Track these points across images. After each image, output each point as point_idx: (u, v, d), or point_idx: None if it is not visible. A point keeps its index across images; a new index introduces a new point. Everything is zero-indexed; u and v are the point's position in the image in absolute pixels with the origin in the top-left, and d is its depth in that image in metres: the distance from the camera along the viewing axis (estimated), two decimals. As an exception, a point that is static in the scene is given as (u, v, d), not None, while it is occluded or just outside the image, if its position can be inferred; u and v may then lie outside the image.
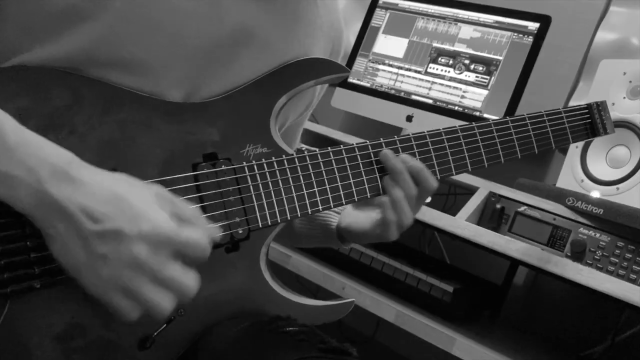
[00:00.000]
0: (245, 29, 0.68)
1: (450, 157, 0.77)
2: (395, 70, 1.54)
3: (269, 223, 0.69)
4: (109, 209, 0.54)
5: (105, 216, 0.54)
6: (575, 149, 1.21)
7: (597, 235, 1.06)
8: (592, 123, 0.86)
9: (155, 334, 0.64)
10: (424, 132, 0.76)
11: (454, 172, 0.77)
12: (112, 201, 0.55)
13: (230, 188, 0.67)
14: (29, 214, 0.54)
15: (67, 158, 0.55)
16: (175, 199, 0.60)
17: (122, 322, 0.57)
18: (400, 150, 0.75)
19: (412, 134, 0.76)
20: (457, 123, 0.79)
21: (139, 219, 0.55)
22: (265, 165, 0.69)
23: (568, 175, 1.20)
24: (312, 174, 0.71)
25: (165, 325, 0.65)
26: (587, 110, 0.86)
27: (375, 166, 0.74)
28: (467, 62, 1.44)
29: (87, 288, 0.56)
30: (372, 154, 0.74)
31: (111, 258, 0.54)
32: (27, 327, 0.59)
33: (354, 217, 0.83)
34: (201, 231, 0.59)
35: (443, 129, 0.77)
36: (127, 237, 0.54)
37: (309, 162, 0.71)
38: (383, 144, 0.75)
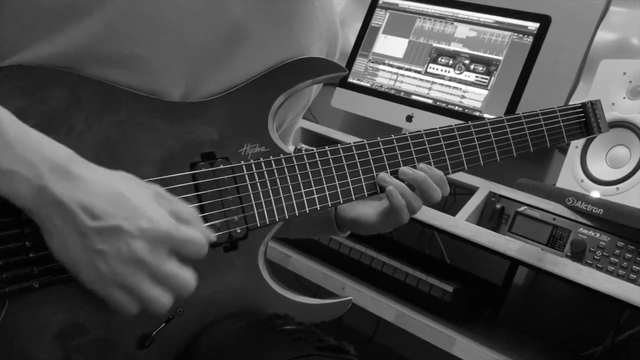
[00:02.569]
0: (242, 27, 0.68)
1: (446, 156, 0.77)
2: (395, 70, 1.54)
3: (267, 222, 0.69)
4: (108, 206, 0.55)
5: (105, 213, 0.54)
6: (575, 149, 1.21)
7: (597, 235, 1.06)
8: (586, 122, 0.87)
9: (155, 333, 0.65)
10: (420, 131, 0.77)
11: (450, 171, 0.78)
12: (112, 198, 0.55)
13: (229, 187, 0.67)
14: (28, 210, 0.54)
15: (67, 154, 0.56)
16: (174, 198, 0.60)
17: (122, 318, 0.58)
18: (398, 149, 0.75)
19: (409, 133, 0.77)
20: (456, 123, 0.79)
21: (138, 216, 0.55)
22: (263, 164, 0.69)
23: (568, 175, 1.20)
24: (309, 173, 0.71)
25: (164, 324, 0.65)
26: (581, 109, 0.87)
27: (372, 165, 0.75)
28: (467, 62, 1.44)
29: (85, 284, 0.56)
30: (369, 152, 0.75)
31: (109, 254, 0.54)
32: (26, 326, 0.59)
33: (359, 209, 0.83)
34: (199, 230, 0.59)
35: (439, 127, 0.78)
36: (126, 233, 0.54)
37: (306, 161, 0.71)
38: (380, 143, 0.75)
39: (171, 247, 0.57)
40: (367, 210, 0.81)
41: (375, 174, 0.75)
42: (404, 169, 0.75)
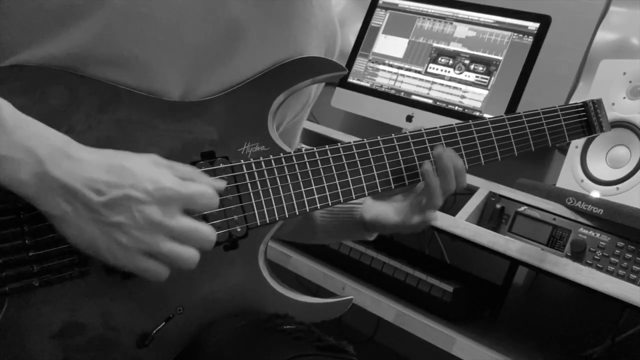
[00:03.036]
0: (240, 26, 0.69)
1: None
2: (395, 70, 1.54)
3: (267, 221, 0.69)
4: (111, 178, 0.55)
5: (109, 185, 0.55)
6: (575, 149, 1.21)
7: (597, 235, 1.06)
8: (588, 121, 0.87)
9: (154, 331, 0.65)
10: (421, 130, 0.77)
11: (451, 170, 0.77)
12: (112, 170, 0.56)
13: (228, 186, 0.67)
14: (32, 198, 0.54)
15: (65, 139, 0.56)
16: (172, 162, 0.60)
17: (118, 318, 0.58)
18: (398, 149, 0.75)
19: (409, 132, 0.77)
20: (456, 122, 0.79)
21: (142, 181, 0.56)
22: (263, 163, 0.69)
23: (568, 175, 1.20)
24: (309, 172, 0.71)
25: (164, 323, 0.65)
26: (583, 108, 0.87)
27: (373, 164, 0.75)
28: (467, 62, 1.44)
29: (109, 261, 0.56)
30: (369, 151, 0.75)
31: (125, 224, 0.55)
32: (26, 325, 0.59)
33: (378, 208, 0.83)
34: (205, 183, 0.60)
35: (440, 127, 0.77)
36: (135, 200, 0.55)
37: (306, 160, 0.71)
38: (380, 142, 0.75)
39: (181, 204, 0.57)
40: (385, 208, 0.81)
41: (375, 173, 0.75)
42: (439, 151, 0.74)
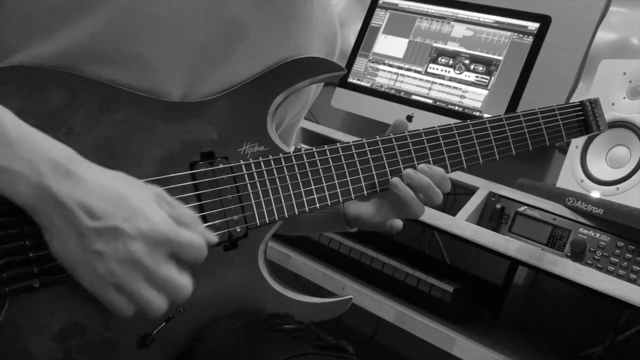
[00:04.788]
0: (240, 26, 0.69)
1: (445, 155, 0.77)
2: (395, 70, 1.54)
3: (267, 221, 0.69)
4: (108, 206, 0.55)
5: (104, 213, 0.54)
6: (575, 149, 1.21)
7: (597, 235, 1.06)
8: (585, 120, 0.87)
9: (155, 332, 0.65)
10: (419, 130, 0.77)
11: (449, 170, 0.78)
12: (111, 199, 0.55)
13: (228, 186, 0.67)
14: (29, 208, 0.54)
15: (68, 154, 0.56)
16: (174, 200, 0.60)
17: (118, 318, 0.58)
18: (397, 148, 0.75)
19: (408, 132, 0.77)
20: (455, 122, 0.79)
21: (137, 218, 0.55)
22: (262, 163, 0.69)
23: (568, 175, 1.20)
24: (309, 172, 0.71)
25: (164, 323, 0.65)
26: (580, 108, 0.87)
27: (372, 164, 0.75)
28: (467, 62, 1.44)
29: (82, 283, 0.56)
30: (368, 151, 0.75)
31: (107, 254, 0.54)
32: (27, 326, 0.59)
33: (360, 208, 0.82)
34: (199, 234, 0.59)
35: (438, 127, 0.78)
36: (124, 234, 0.54)
37: (305, 160, 0.71)
38: (379, 142, 0.75)
39: (170, 250, 0.57)
40: (368, 209, 0.81)
41: (374, 172, 0.75)
42: (409, 172, 0.74)
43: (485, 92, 1.40)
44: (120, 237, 0.54)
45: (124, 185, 0.57)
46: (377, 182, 0.75)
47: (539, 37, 1.36)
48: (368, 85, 1.58)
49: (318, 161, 0.72)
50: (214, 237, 0.62)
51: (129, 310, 0.57)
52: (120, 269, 0.55)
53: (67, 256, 0.55)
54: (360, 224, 0.83)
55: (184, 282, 0.57)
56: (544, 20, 1.37)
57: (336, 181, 0.73)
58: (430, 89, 1.48)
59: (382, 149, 0.75)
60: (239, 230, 0.68)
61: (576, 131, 0.86)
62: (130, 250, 0.54)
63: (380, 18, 1.60)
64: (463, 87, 1.43)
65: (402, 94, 1.52)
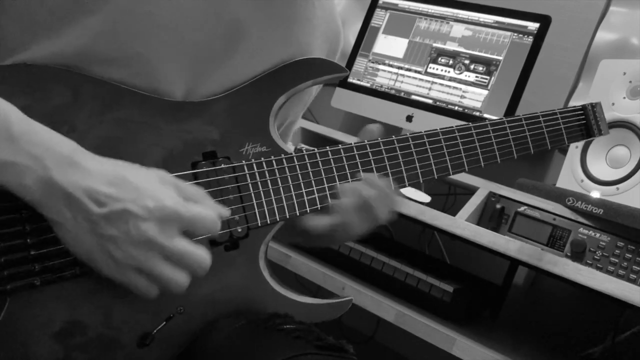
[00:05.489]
0: (241, 26, 0.69)
1: (447, 157, 0.77)
2: (395, 70, 1.54)
3: (268, 221, 0.69)
4: (113, 191, 0.55)
5: (110, 198, 0.55)
6: (575, 149, 1.21)
7: (597, 235, 1.06)
8: (587, 124, 0.87)
9: (155, 331, 0.65)
10: (421, 132, 0.77)
11: (450, 172, 0.78)
12: (116, 183, 0.55)
13: (230, 186, 0.67)
14: (37, 203, 0.54)
15: (72, 146, 0.56)
16: (179, 181, 0.60)
17: (118, 317, 0.58)
18: (399, 150, 0.75)
19: (410, 134, 0.77)
20: (456, 123, 0.80)
21: (143, 197, 0.55)
22: (264, 163, 0.69)
23: (568, 175, 1.20)
24: (310, 173, 0.71)
25: (164, 322, 0.65)
26: (582, 112, 0.87)
27: (373, 165, 0.75)
28: (467, 62, 1.44)
29: (102, 272, 0.56)
30: (370, 153, 0.75)
31: (120, 238, 0.55)
32: (27, 324, 0.59)
33: (309, 221, 0.75)
34: (208, 207, 0.59)
35: (440, 129, 0.78)
36: (134, 216, 0.55)
37: (307, 161, 0.71)
38: (381, 143, 0.75)
39: (181, 225, 0.57)
40: (317, 222, 0.74)
41: (375, 173, 0.74)
42: (344, 187, 0.70)
43: (485, 92, 1.40)
44: (130, 219, 0.55)
45: (126, 169, 0.57)
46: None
47: (539, 37, 1.36)
48: (368, 85, 1.58)
49: (320, 162, 0.72)
50: (226, 210, 0.62)
51: (154, 291, 0.57)
52: (136, 250, 0.55)
53: (83, 247, 0.55)
54: (306, 238, 0.79)
55: (201, 253, 0.58)
56: (544, 20, 1.37)
57: (337, 182, 0.73)
58: (430, 89, 1.48)
59: (384, 150, 0.75)
60: (240, 230, 0.68)
61: (577, 135, 0.86)
62: (142, 230, 0.55)
63: (380, 18, 1.60)
64: (463, 87, 1.43)
65: (402, 94, 1.52)
